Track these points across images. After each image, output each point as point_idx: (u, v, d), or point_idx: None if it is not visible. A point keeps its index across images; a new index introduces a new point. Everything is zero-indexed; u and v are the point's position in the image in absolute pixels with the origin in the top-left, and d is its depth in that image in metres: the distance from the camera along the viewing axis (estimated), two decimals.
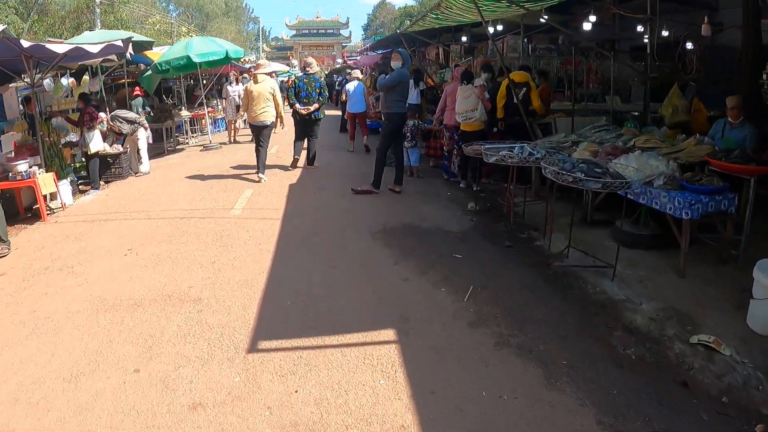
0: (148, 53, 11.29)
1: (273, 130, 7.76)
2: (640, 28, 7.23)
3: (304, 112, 7.69)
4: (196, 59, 9.66)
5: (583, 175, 3.60)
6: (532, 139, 5.93)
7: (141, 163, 8.49)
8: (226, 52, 10.02)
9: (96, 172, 7.63)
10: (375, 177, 6.47)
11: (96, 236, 5.33)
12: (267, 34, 62.01)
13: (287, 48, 49.22)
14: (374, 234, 5.03)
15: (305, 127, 7.86)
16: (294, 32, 49.12)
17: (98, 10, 17.92)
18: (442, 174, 7.63)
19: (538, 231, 5.09)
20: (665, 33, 6.93)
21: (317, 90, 7.70)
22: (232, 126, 12.40)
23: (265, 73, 7.91)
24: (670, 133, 5.41)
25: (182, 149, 11.69)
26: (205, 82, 11.94)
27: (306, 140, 8.02)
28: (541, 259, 4.40)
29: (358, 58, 21.62)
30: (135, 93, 12.09)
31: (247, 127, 9.03)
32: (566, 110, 7.14)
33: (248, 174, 7.94)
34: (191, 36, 18.66)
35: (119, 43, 6.66)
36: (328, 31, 48.94)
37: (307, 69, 7.89)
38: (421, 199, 6.36)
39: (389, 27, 39.37)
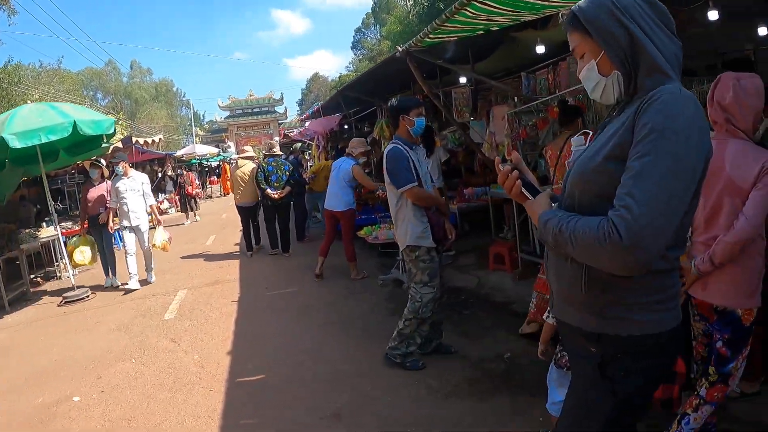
0: None
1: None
2: None
3: (276, 196, 7.35)
4: (15, 143, 5.31)
5: None
6: None
7: None
8: (74, 124, 5.52)
9: None
10: None
11: None
12: (201, 117, 59.21)
13: (222, 130, 46.33)
14: None
15: (276, 212, 7.61)
16: (228, 113, 46.48)
17: None
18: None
19: None
20: None
21: (286, 173, 7.48)
22: None
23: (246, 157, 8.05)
24: None
25: (40, 300, 6.91)
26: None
27: (276, 226, 7.78)
28: None
29: (307, 123, 14.96)
30: None
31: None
32: None
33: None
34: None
35: None
36: (262, 109, 46.66)
37: (273, 150, 7.71)
38: None
39: (324, 98, 37.48)
